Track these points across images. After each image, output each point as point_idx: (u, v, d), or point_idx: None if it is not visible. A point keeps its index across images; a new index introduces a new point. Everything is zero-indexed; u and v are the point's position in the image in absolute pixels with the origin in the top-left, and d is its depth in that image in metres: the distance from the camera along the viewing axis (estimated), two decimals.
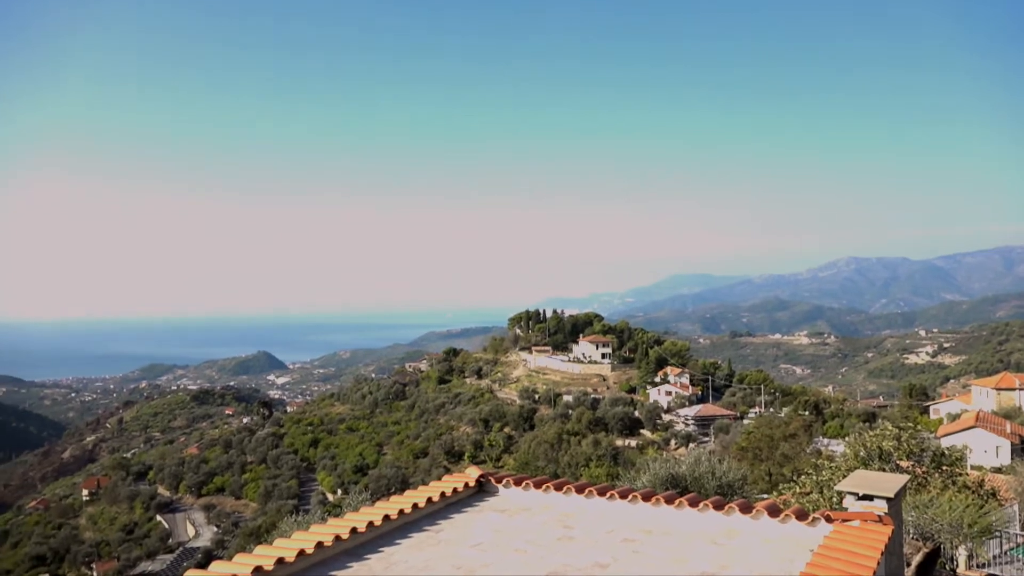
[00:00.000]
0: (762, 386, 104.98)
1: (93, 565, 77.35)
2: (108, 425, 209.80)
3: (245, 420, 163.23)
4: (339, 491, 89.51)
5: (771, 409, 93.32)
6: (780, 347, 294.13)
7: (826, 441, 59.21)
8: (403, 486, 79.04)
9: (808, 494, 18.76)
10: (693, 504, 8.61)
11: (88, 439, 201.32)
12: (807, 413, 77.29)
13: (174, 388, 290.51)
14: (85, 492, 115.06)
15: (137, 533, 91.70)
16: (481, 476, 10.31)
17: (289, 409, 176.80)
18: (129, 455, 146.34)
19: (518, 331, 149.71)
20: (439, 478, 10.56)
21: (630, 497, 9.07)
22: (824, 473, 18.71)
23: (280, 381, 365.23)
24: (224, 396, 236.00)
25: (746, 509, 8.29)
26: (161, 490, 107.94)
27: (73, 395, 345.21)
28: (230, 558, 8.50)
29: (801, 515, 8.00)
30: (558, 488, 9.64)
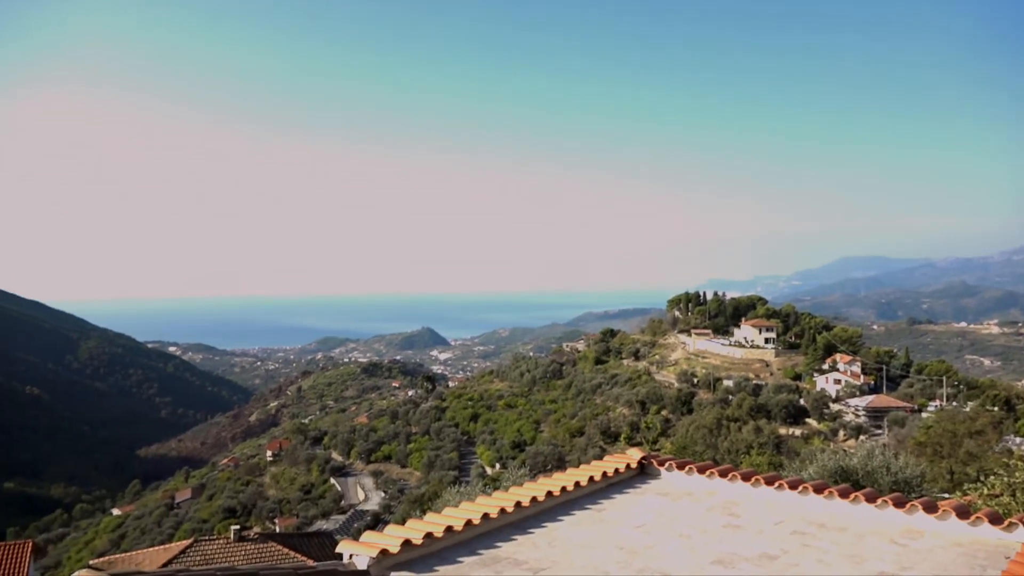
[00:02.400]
0: (944, 378, 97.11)
1: (276, 520, 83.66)
2: (288, 392, 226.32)
3: (410, 393, 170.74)
4: (497, 465, 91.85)
5: (954, 403, 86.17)
6: (966, 336, 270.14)
7: (1018, 440, 54.07)
8: (559, 464, 79.95)
9: (997, 496, 17.27)
10: (871, 499, 8.13)
11: (271, 404, 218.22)
12: (996, 409, 70.81)
13: (346, 360, 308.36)
14: (269, 453, 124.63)
15: (313, 494, 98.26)
16: (643, 458, 10.24)
17: (451, 384, 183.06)
18: (307, 421, 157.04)
19: (677, 313, 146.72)
20: (596, 458, 10.59)
21: (800, 488, 8.70)
22: (1017, 475, 17.16)
23: (442, 356, 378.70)
24: (391, 369, 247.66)
25: (931, 508, 7.74)
26: (335, 455, 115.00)
27: (259, 364, 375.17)
28: (400, 522, 8.95)
29: (995, 519, 7.37)
30: (723, 474, 9.41)
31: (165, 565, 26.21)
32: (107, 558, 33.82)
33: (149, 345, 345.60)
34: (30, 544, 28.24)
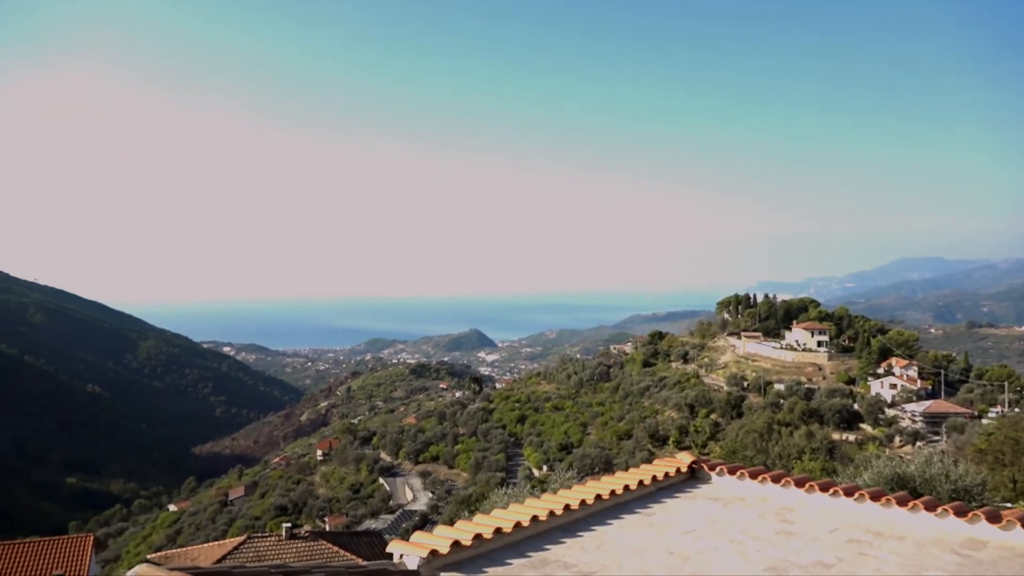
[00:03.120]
0: (1006, 383, 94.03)
1: (326, 519, 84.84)
2: (338, 393, 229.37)
3: (457, 394, 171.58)
4: (544, 467, 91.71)
5: (1016, 409, 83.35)
6: None
7: None
8: (607, 467, 79.48)
9: None
10: (930, 508, 7.91)
11: (321, 404, 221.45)
12: None
13: (395, 361, 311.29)
14: (319, 452, 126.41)
15: (362, 493, 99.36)
16: (693, 462, 10.12)
17: (498, 385, 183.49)
18: (356, 421, 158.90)
19: (726, 316, 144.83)
20: (644, 461, 10.49)
21: (856, 495, 8.50)
22: None
23: (489, 358, 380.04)
24: (439, 371, 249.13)
25: (994, 518, 7.49)
26: (383, 455, 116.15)
27: (309, 364, 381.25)
28: (448, 523, 9.00)
29: None
30: (775, 480, 9.24)
31: (219, 561, 26.79)
32: (164, 553, 34.71)
33: (204, 345, 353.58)
34: (91, 538, 29.11)
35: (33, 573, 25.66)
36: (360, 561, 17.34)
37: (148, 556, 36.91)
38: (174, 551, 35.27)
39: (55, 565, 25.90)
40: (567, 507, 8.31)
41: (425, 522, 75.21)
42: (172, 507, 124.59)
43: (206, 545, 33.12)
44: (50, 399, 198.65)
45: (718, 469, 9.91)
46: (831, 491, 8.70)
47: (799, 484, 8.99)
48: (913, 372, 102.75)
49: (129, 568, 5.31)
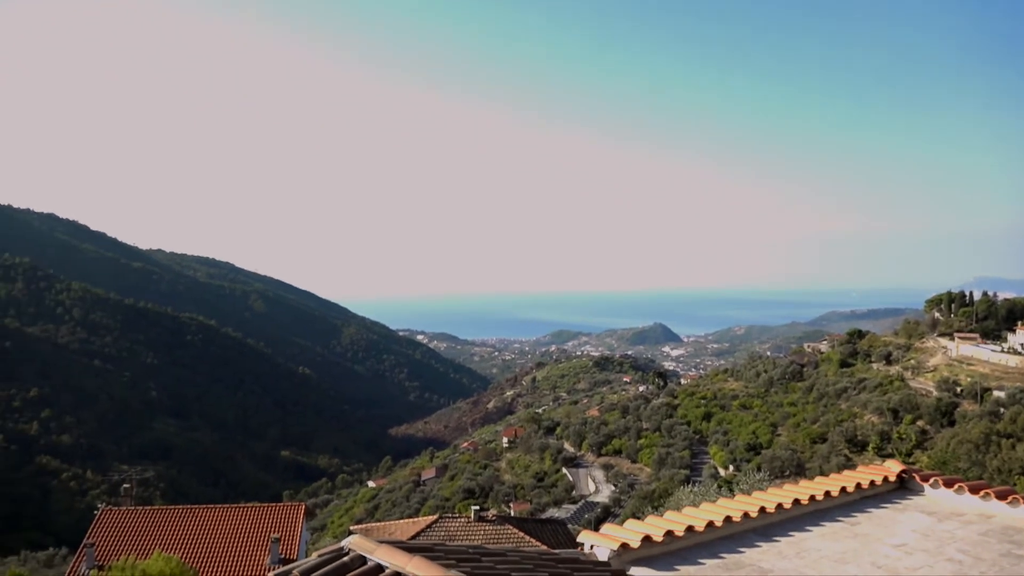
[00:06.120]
0: None
1: (511, 504, 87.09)
2: (523, 382, 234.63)
3: (641, 388, 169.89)
4: (731, 467, 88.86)
5: None
6: None
7: None
8: (799, 470, 75.82)
9: None
10: None
11: (507, 393, 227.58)
12: None
13: (578, 353, 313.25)
14: (505, 440, 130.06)
15: (546, 481, 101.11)
16: (903, 471, 9.41)
17: (683, 381, 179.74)
18: (540, 411, 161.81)
19: (937, 315, 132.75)
20: (840, 467, 9.89)
21: None
22: None
23: (674, 353, 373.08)
24: (622, 364, 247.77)
25: None
26: (567, 445, 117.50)
27: (496, 354, 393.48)
28: (632, 516, 8.97)
29: None
30: (1001, 496, 8.39)
31: (413, 537, 28.36)
32: (364, 525, 37.32)
33: (400, 333, 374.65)
34: (303, 507, 31.88)
35: (254, 533, 28.54)
36: (546, 549, 17.73)
37: (351, 527, 39.82)
38: (373, 524, 37.83)
39: (272, 529, 28.62)
40: (763, 510, 8.02)
41: (607, 514, 75.40)
42: (371, 483, 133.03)
43: (401, 521, 35.20)
44: (268, 379, 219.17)
45: (932, 480, 9.15)
46: None
47: None
48: None
49: (334, 537, 5.77)
